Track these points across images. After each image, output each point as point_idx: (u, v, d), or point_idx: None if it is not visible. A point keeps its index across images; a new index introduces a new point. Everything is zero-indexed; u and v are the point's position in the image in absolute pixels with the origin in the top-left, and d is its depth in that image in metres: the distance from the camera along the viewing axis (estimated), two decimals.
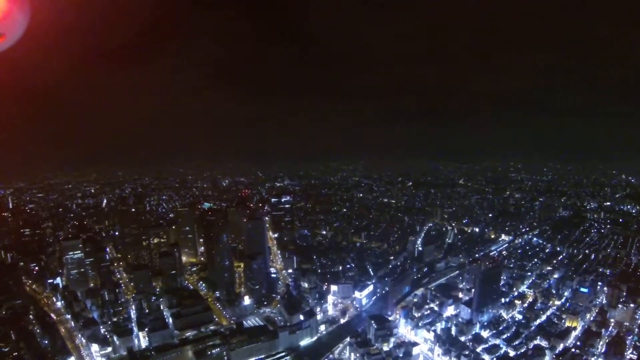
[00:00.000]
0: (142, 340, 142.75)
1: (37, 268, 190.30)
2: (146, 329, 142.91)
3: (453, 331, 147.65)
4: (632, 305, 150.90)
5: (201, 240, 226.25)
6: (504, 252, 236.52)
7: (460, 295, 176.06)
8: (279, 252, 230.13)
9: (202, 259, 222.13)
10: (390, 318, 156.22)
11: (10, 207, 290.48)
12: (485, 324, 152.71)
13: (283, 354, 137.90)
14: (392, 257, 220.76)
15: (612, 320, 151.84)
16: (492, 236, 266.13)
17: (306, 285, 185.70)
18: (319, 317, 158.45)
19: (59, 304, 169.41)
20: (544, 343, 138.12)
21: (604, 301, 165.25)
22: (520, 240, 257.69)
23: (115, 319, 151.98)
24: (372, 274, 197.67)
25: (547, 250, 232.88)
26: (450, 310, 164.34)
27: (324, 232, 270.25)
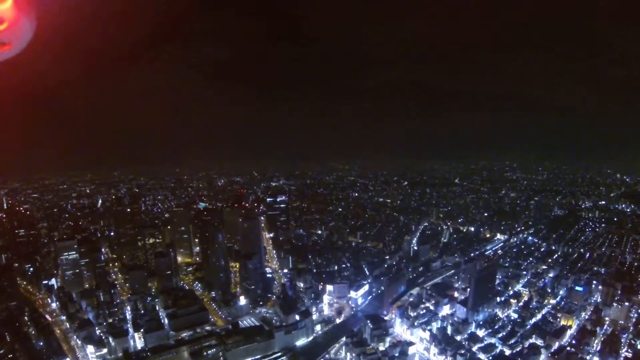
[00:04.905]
0: (137, 341, 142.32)
1: (32, 269, 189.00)
2: (142, 330, 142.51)
3: (449, 330, 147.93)
4: (626, 303, 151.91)
5: (197, 240, 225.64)
6: (499, 251, 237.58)
7: (456, 294, 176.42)
8: (274, 252, 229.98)
9: (197, 259, 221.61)
10: (386, 317, 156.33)
11: (5, 207, 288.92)
12: (481, 323, 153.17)
13: (279, 354, 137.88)
14: (387, 257, 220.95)
15: (607, 318, 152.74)
16: (488, 235, 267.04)
17: (302, 285, 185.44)
18: (314, 317, 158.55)
19: (54, 305, 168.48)
20: (539, 342, 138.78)
21: (599, 299, 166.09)
22: (515, 239, 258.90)
23: (110, 320, 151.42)
24: (367, 273, 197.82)
25: (542, 249, 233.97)
26: (445, 310, 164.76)
27: (320, 232, 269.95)
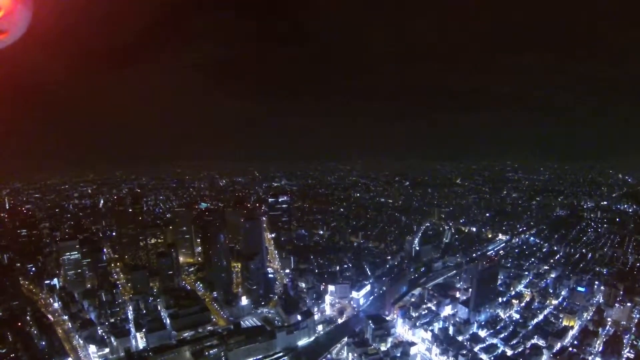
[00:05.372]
0: (139, 341, 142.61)
1: (34, 269, 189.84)
2: (144, 330, 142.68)
3: (450, 331, 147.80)
4: (629, 304, 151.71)
5: (198, 240, 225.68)
6: (501, 252, 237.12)
7: (458, 294, 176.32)
8: (276, 252, 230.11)
9: (199, 259, 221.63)
10: (387, 318, 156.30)
11: (7, 207, 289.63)
12: (483, 323, 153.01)
13: (281, 354, 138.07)
14: (389, 257, 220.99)
15: (609, 319, 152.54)
16: (489, 236, 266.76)
17: (304, 285, 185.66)
18: (316, 317, 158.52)
19: (56, 305, 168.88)
20: (541, 342, 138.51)
21: (601, 300, 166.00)
22: (517, 239, 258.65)
23: (112, 320, 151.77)
24: (369, 273, 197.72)
25: (544, 250, 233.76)
26: (447, 310, 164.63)
27: (321, 232, 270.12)
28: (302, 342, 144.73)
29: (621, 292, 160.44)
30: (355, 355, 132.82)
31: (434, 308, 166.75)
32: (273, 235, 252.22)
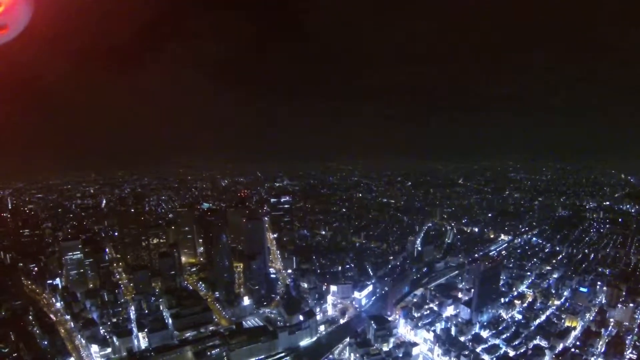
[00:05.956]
0: (141, 340, 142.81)
1: (36, 269, 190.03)
2: (146, 330, 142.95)
3: (453, 331, 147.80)
4: (631, 304, 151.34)
5: (200, 240, 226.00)
6: (503, 252, 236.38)
7: (460, 295, 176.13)
8: (278, 252, 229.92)
9: (201, 259, 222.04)
10: (389, 318, 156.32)
11: (10, 207, 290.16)
12: (485, 324, 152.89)
13: (283, 354, 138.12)
14: (391, 257, 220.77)
15: (611, 319, 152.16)
16: (492, 236, 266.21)
17: (306, 285, 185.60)
18: (318, 317, 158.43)
19: (58, 304, 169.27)
20: (543, 343, 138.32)
21: (604, 301, 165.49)
22: (519, 240, 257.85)
23: (114, 320, 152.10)
24: (371, 274, 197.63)
25: (546, 250, 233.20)
26: (449, 310, 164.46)
27: (323, 232, 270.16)
28: (304, 342, 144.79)
29: (624, 293, 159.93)
30: (357, 355, 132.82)
31: (436, 308, 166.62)
32: (275, 235, 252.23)
